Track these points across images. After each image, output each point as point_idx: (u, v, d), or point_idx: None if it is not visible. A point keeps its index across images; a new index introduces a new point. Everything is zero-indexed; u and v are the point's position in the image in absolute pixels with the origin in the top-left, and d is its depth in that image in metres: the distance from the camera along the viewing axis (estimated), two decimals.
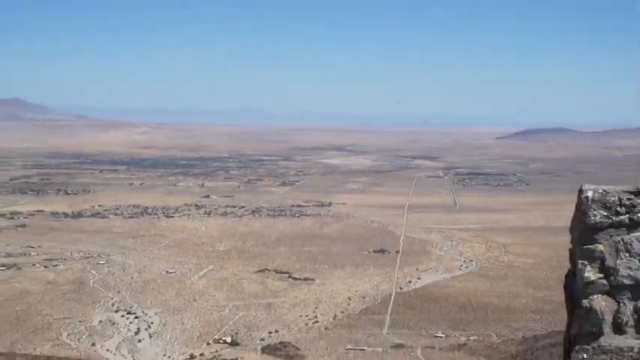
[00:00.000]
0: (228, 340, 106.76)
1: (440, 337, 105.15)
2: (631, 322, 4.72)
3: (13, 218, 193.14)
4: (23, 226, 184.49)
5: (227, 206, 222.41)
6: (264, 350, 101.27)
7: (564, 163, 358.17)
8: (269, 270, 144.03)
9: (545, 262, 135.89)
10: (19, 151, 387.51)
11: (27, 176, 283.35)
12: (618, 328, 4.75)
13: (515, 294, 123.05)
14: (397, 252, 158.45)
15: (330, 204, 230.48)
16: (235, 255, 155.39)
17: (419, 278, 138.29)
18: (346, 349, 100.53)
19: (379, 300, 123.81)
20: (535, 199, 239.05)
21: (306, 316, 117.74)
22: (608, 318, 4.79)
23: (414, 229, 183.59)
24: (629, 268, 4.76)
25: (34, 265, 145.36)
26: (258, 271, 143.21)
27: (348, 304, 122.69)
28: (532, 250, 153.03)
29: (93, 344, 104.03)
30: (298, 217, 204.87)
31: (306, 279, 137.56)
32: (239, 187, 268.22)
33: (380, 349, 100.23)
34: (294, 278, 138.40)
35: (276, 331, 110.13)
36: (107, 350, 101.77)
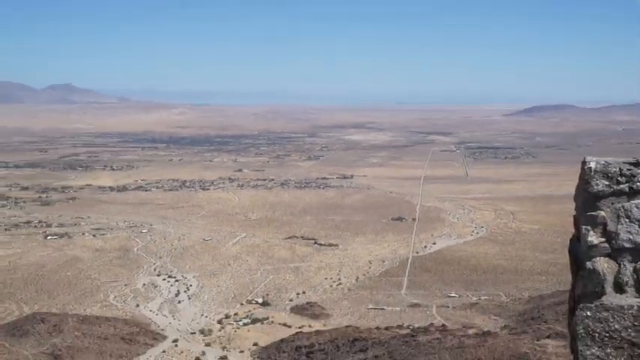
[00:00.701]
0: (260, 300, 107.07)
1: (453, 296, 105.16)
2: (631, 282, 4.69)
3: (64, 192, 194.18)
4: (73, 199, 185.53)
5: (258, 179, 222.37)
6: (292, 310, 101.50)
7: (567, 137, 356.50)
8: (296, 237, 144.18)
9: (549, 227, 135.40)
10: (69, 131, 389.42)
11: (76, 154, 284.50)
12: (619, 288, 4.72)
13: (522, 257, 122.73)
14: (414, 219, 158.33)
15: (352, 176, 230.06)
16: (266, 223, 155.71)
17: (434, 243, 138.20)
18: (367, 309, 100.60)
19: (397, 263, 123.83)
20: (540, 171, 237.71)
21: (331, 278, 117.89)
22: (610, 278, 4.77)
23: (429, 199, 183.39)
24: (629, 232, 4.73)
25: (83, 234, 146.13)
26: (287, 238, 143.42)
27: (369, 268, 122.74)
28: (537, 217, 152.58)
29: (137, 305, 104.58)
30: (323, 188, 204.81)
31: (330, 245, 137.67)
32: (268, 161, 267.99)
33: (398, 309, 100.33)
34: (320, 244, 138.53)
35: (304, 293, 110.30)
36: (150, 311, 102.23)
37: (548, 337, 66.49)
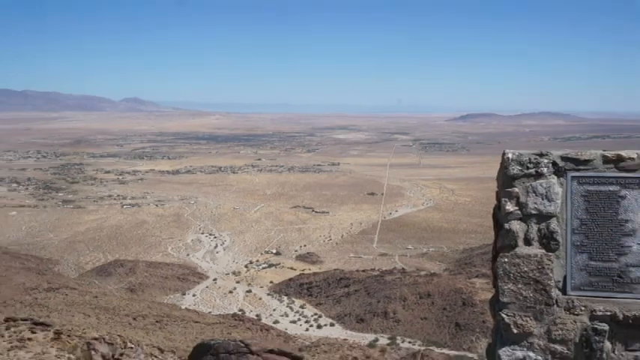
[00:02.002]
0: (274, 251, 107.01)
1: (410, 248, 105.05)
2: (536, 238, 4.73)
3: (135, 174, 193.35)
4: (141, 179, 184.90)
5: (272, 166, 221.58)
6: (297, 258, 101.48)
7: (491, 136, 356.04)
8: (299, 206, 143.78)
9: (479, 200, 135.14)
10: (137, 132, 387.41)
11: (143, 148, 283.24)
12: (527, 242, 4.76)
13: (458, 221, 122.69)
14: (382, 194, 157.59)
15: (338, 164, 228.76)
16: (277, 197, 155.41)
17: (396, 211, 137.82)
18: (349, 257, 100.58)
19: (370, 225, 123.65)
20: (472, 160, 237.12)
21: (324, 235, 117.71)
22: (521, 235, 4.80)
23: (393, 180, 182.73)
24: (535, 203, 4.76)
25: (148, 204, 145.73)
26: (292, 207, 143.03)
27: (351, 228, 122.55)
28: (470, 193, 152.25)
29: (187, 254, 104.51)
30: (317, 172, 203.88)
31: (323, 212, 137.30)
32: (279, 153, 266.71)
33: (371, 257, 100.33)
34: (316, 211, 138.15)
35: (305, 246, 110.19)
36: (196, 258, 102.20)
37: (476, 276, 66.66)
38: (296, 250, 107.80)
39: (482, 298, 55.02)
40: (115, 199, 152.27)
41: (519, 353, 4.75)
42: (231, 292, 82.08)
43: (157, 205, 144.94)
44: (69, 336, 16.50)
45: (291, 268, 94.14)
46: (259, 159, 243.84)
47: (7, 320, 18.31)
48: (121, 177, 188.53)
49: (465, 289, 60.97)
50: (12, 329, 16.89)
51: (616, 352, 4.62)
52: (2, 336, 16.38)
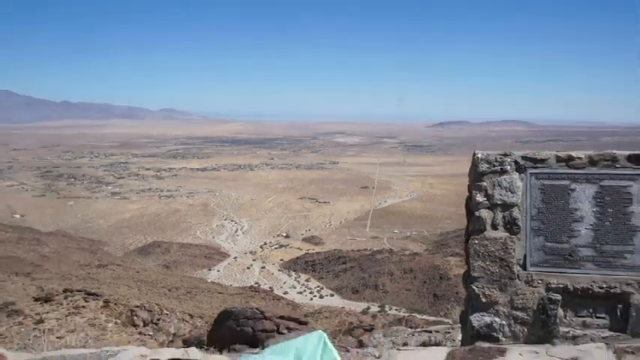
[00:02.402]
0: (284, 234, 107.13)
1: (396, 232, 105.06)
2: (501, 224, 4.70)
3: (170, 171, 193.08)
4: (175, 175, 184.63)
5: (282, 164, 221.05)
6: (303, 240, 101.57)
7: (463, 140, 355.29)
8: (305, 198, 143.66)
9: (454, 192, 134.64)
10: (172, 136, 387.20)
11: (177, 149, 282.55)
12: (494, 227, 4.74)
13: (437, 209, 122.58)
14: (373, 188, 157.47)
15: (337, 162, 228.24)
16: (287, 190, 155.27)
17: (385, 201, 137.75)
18: (346, 239, 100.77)
19: (364, 213, 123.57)
20: (448, 159, 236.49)
21: (325, 221, 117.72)
22: (489, 221, 4.78)
23: (382, 175, 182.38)
24: (500, 194, 4.74)
25: (181, 196, 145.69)
26: (299, 198, 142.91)
27: (347, 215, 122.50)
28: (446, 186, 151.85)
29: (213, 237, 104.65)
30: (320, 169, 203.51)
31: (325, 202, 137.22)
32: (289, 154, 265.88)
33: (364, 239, 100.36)
34: (319, 202, 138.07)
35: (309, 230, 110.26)
36: (220, 240, 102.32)
37: (451, 255, 66.57)
38: (302, 234, 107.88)
39: (455, 273, 55.02)
40: (153, 191, 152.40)
41: (487, 319, 4.75)
42: (248, 268, 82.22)
43: (188, 197, 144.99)
44: (115, 304, 16.53)
45: (298, 249, 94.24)
46: (272, 158, 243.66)
47: (65, 291, 18.37)
48: (158, 173, 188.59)
49: (442, 265, 61.04)
50: (69, 299, 16.93)
51: (567, 318, 4.61)
52: (61, 304, 16.42)
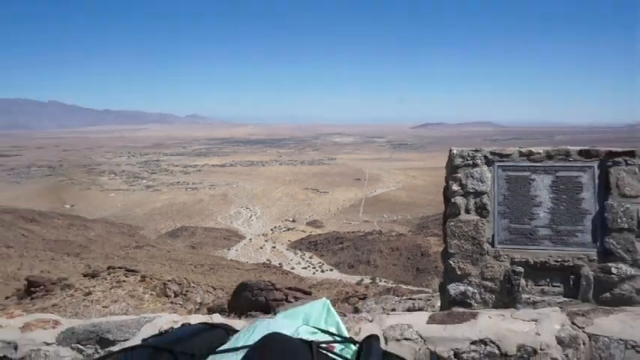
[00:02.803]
0: (291, 219, 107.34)
1: (384, 216, 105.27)
2: (473, 209, 4.70)
3: (194, 167, 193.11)
4: (199, 170, 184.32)
5: (289, 161, 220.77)
6: (307, 224, 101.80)
7: (441, 139, 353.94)
8: (308, 188, 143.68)
9: (432, 183, 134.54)
10: (196, 138, 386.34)
11: (200, 149, 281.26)
12: (467, 211, 4.75)
13: (418, 197, 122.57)
14: (365, 179, 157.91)
15: (335, 159, 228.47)
16: (293, 182, 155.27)
17: (375, 191, 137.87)
18: (343, 222, 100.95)
19: (357, 201, 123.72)
20: (428, 155, 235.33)
21: (325, 208, 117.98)
22: (463, 206, 4.77)
23: (372, 169, 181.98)
24: (472, 184, 4.74)
25: (204, 188, 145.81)
26: (304, 189, 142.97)
27: (344, 203, 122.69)
28: (427, 178, 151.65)
29: (231, 222, 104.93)
30: (321, 165, 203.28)
31: (325, 192, 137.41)
32: (294, 152, 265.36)
33: (358, 222, 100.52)
34: (320, 191, 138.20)
35: (312, 215, 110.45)
36: (237, 225, 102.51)
37: (431, 236, 66.59)
38: (306, 219, 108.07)
39: (434, 251, 55.05)
40: (181, 184, 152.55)
41: (462, 288, 4.76)
42: (261, 247, 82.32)
43: (210, 188, 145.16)
44: (151, 279, 16.57)
45: (303, 231, 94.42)
46: (280, 156, 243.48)
47: (108, 268, 18.42)
48: (185, 169, 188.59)
49: (423, 244, 61.07)
50: (112, 274, 16.98)
51: (528, 287, 4.63)
52: (105, 279, 16.47)
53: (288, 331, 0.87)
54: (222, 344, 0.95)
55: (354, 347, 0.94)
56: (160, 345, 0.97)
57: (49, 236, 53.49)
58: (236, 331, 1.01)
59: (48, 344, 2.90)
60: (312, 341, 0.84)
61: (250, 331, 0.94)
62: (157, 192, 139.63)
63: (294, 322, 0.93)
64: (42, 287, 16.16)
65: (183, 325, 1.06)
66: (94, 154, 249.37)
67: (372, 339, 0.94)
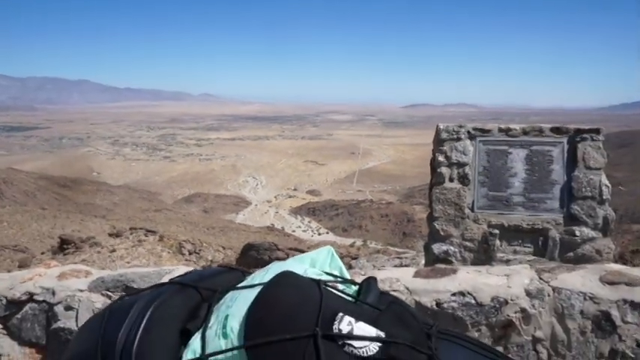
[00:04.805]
0: (293, 188, 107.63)
1: (375, 187, 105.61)
2: (456, 177, 4.70)
3: (207, 140, 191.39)
4: (211, 144, 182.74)
5: (291, 136, 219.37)
6: (306, 192, 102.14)
7: (427, 118, 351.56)
8: (308, 161, 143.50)
9: (419, 157, 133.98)
10: (208, 114, 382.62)
11: (212, 124, 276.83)
12: (451, 180, 4.73)
13: (407, 170, 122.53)
14: (359, 153, 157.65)
15: (332, 135, 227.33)
16: (295, 155, 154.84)
17: (367, 164, 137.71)
18: (338, 192, 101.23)
19: (352, 173, 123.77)
20: (415, 133, 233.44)
21: (323, 179, 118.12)
22: (447, 176, 4.77)
23: (365, 145, 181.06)
24: (456, 156, 4.74)
25: (216, 159, 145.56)
26: (304, 161, 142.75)
27: (340, 174, 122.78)
28: (414, 153, 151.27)
29: (239, 189, 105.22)
30: (319, 140, 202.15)
31: (323, 164, 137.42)
32: (296, 128, 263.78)
33: (352, 192, 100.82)
34: (318, 164, 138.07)
35: (311, 185, 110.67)
36: (245, 192, 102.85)
37: (416, 204, 66.99)
38: (306, 188, 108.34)
39: (419, 217, 55.39)
40: (195, 155, 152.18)
41: (444, 247, 4.81)
42: (266, 212, 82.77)
43: (221, 160, 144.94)
44: (168, 239, 16.70)
45: (303, 199, 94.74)
46: (283, 131, 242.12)
47: (130, 229, 18.54)
48: (198, 142, 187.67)
49: (409, 211, 61.44)
50: (134, 234, 17.10)
51: (502, 247, 4.69)
52: (128, 238, 16.59)
53: (297, 272, 0.90)
54: (240, 283, 0.97)
55: (354, 287, 0.96)
56: (185, 282, 0.99)
57: (79, 200, 53.67)
58: (251, 274, 1.03)
59: (81, 291, 2.99)
60: (319, 279, 0.87)
61: (265, 271, 0.95)
62: (174, 162, 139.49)
63: (303, 265, 0.94)
64: (73, 244, 16.29)
65: (203, 267, 1.17)
66: (117, 127, 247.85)
67: (371, 279, 0.96)
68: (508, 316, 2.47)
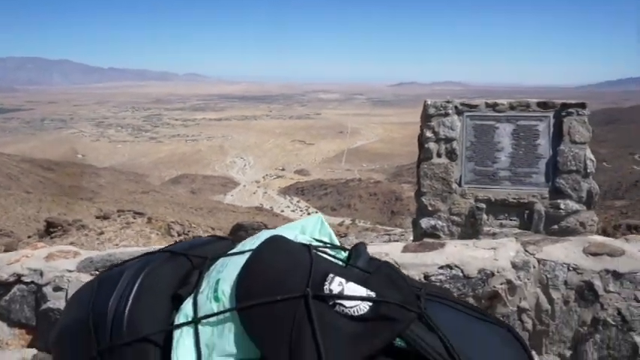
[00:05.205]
0: (281, 168, 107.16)
1: (364, 166, 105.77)
2: (444, 153, 4.74)
3: (193, 121, 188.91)
4: (198, 124, 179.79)
5: (279, 115, 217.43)
6: (294, 172, 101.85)
7: (414, 96, 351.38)
8: (296, 140, 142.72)
9: (407, 136, 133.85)
10: (194, 94, 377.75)
11: (198, 104, 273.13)
12: (439, 155, 4.78)
13: (395, 149, 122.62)
14: (347, 133, 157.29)
15: (320, 114, 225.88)
16: (283, 134, 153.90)
17: (356, 143, 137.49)
18: (327, 171, 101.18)
19: (340, 152, 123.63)
20: (403, 111, 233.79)
21: (311, 158, 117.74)
22: (435, 151, 4.80)
23: (353, 124, 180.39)
24: (444, 131, 4.74)
25: (202, 139, 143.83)
26: (292, 141, 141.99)
27: (328, 154, 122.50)
28: (402, 131, 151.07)
29: (227, 170, 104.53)
30: (307, 119, 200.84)
31: (311, 144, 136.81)
32: (284, 107, 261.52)
33: (340, 171, 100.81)
34: (307, 143, 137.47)
35: (299, 164, 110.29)
36: (233, 173, 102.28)
37: (404, 183, 67.39)
38: (294, 167, 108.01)
39: (407, 196, 55.78)
40: (181, 136, 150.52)
41: (432, 222, 4.86)
42: (254, 193, 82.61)
43: (207, 140, 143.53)
44: (156, 220, 16.63)
45: (291, 178, 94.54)
46: (271, 111, 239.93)
47: (118, 211, 18.41)
48: (185, 123, 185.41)
49: (397, 190, 61.80)
50: (121, 217, 16.99)
51: (489, 221, 4.75)
52: (116, 220, 16.48)
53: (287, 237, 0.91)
54: (230, 251, 0.98)
55: (344, 253, 0.98)
56: (176, 250, 1.02)
57: (64, 182, 52.99)
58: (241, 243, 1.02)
59: (70, 271, 2.99)
60: (309, 244, 0.88)
61: (255, 238, 0.96)
62: (160, 143, 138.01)
63: (293, 232, 0.94)
64: (59, 227, 16.13)
65: (194, 237, 1.22)
66: (101, 108, 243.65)
67: (360, 245, 0.98)
68: (494, 287, 2.53)
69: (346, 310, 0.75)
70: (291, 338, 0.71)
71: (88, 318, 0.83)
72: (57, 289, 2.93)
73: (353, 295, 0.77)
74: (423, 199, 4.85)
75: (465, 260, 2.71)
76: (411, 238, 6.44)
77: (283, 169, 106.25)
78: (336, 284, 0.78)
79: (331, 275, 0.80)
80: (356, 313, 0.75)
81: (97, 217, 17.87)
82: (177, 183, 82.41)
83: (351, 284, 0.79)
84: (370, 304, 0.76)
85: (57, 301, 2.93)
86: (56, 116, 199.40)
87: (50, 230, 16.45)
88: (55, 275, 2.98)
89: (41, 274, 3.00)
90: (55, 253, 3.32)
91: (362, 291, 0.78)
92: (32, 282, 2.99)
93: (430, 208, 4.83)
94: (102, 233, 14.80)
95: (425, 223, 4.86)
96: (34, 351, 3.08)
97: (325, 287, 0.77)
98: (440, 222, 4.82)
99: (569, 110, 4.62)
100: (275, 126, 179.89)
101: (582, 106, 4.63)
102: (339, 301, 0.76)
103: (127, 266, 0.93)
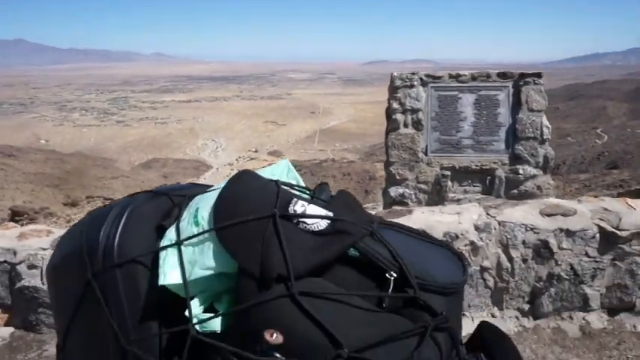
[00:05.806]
0: (254, 149, 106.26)
1: (337, 146, 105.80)
2: (410, 123, 4.88)
3: (162, 103, 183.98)
4: (167, 106, 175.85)
5: (249, 96, 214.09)
6: (268, 153, 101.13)
7: (385, 75, 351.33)
8: (268, 121, 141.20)
9: (379, 115, 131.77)
10: (161, 75, 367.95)
11: (166, 85, 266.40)
12: (405, 126, 4.98)
13: (367, 128, 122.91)
14: (319, 113, 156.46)
15: (291, 94, 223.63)
16: (254, 116, 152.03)
17: (328, 123, 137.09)
18: (301, 152, 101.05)
19: (312, 132, 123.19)
20: (374, 90, 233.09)
21: (284, 139, 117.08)
22: (402, 122, 4.98)
23: (325, 103, 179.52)
24: (410, 102, 4.83)
25: (172, 122, 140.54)
26: (264, 122, 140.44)
27: (301, 134, 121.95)
28: (373, 110, 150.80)
29: (199, 153, 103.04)
30: (278, 99, 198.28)
31: (283, 125, 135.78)
32: (254, 88, 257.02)
33: (313, 152, 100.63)
34: (278, 124, 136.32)
35: (273, 146, 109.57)
36: (205, 156, 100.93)
37: (377, 162, 67.58)
38: (267, 149, 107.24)
39: (380, 175, 55.92)
40: (150, 119, 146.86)
41: (400, 190, 5.09)
42: (227, 176, 78.80)
43: (177, 123, 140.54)
44: None
45: (265, 160, 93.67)
46: (241, 92, 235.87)
47: (87, 197, 18.20)
48: (153, 105, 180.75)
49: (371, 169, 61.85)
50: (91, 203, 16.81)
51: (454, 187, 5.01)
52: (84, 207, 16.31)
53: None
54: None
55: (309, 192, 1.09)
56: (158, 190, 1.13)
57: (28, 169, 51.38)
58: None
59: (44, 249, 3.05)
60: (277, 180, 1.00)
61: (227, 179, 1.07)
62: (128, 127, 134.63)
63: (263, 175, 1.06)
64: (26, 216, 15.84)
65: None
66: (63, 91, 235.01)
67: (324, 184, 1.09)
68: (459, 249, 2.75)
69: (308, 227, 0.87)
70: (261, 250, 0.83)
71: (81, 248, 0.94)
72: (31, 267, 2.97)
73: (314, 215, 0.89)
74: (392, 169, 5.06)
75: (432, 225, 2.92)
76: (381, 209, 6.70)
77: (256, 151, 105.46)
78: (300, 206, 0.90)
79: (295, 199, 0.92)
80: (316, 229, 0.87)
81: (65, 205, 17.61)
82: (148, 167, 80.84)
83: (312, 206, 0.92)
84: (328, 221, 0.88)
85: (32, 279, 2.97)
86: (15, 100, 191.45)
87: (16, 219, 16.12)
88: (29, 253, 3.02)
89: (14, 253, 3.03)
90: (28, 232, 3.34)
91: (322, 211, 0.90)
92: (5, 261, 3.02)
93: (398, 177, 5.05)
94: (70, 221, 14.63)
95: (393, 191, 5.09)
96: (11, 329, 3.12)
97: (290, 208, 0.89)
98: (408, 190, 5.06)
99: (527, 80, 4.88)
100: (246, 107, 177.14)
101: (539, 75, 4.90)
102: (302, 220, 0.87)
103: (114, 204, 1.03)
